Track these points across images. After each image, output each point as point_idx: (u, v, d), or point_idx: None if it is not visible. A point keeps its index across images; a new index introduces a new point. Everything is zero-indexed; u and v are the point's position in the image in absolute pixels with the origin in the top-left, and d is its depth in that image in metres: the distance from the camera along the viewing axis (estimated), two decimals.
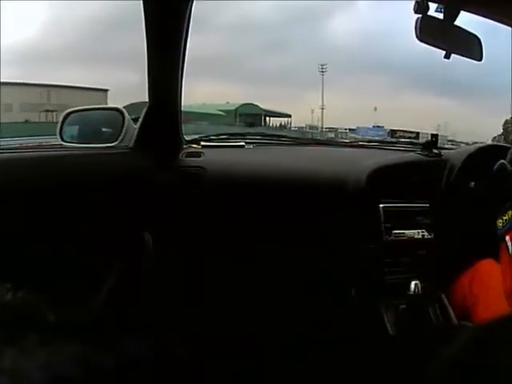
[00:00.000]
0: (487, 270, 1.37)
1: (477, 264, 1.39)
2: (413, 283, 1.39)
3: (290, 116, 16.13)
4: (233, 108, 15.17)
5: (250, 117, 15.14)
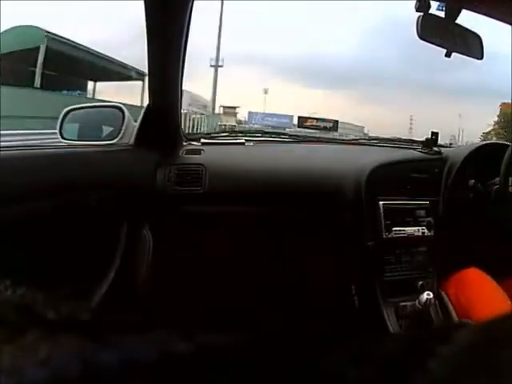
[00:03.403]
0: (473, 278, 1.38)
1: (461, 272, 1.40)
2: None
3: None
4: None
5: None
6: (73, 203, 1.17)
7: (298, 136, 2.00)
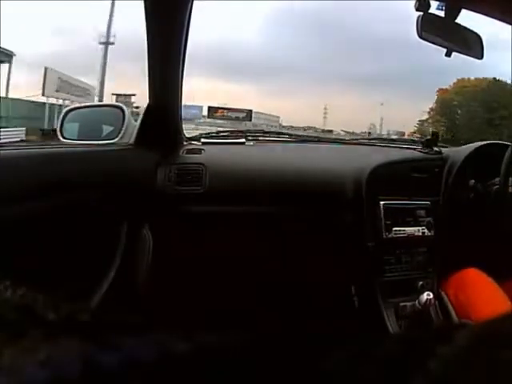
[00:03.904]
0: (472, 278, 1.38)
1: (460, 273, 1.40)
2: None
3: None
4: None
5: None
6: (73, 203, 1.17)
7: (298, 136, 2.00)
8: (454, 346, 0.19)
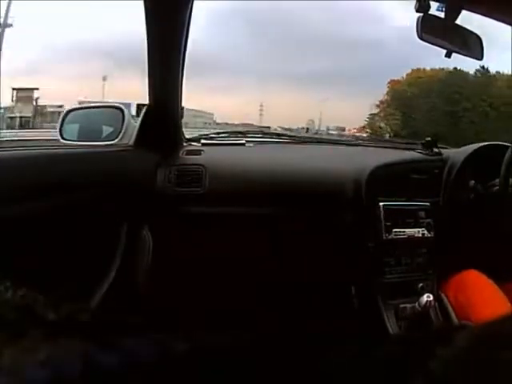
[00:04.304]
0: (472, 280, 1.38)
1: (460, 275, 1.40)
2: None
3: None
4: None
5: None
6: (73, 203, 1.17)
7: (298, 137, 2.00)
8: (453, 347, 0.19)
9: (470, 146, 1.57)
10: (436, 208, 1.49)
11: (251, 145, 1.73)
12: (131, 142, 1.47)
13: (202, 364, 0.18)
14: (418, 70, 23.50)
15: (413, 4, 1.07)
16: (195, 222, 1.54)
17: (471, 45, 1.16)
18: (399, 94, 22.85)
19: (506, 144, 1.47)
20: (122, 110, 1.51)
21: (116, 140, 1.46)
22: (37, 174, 1.09)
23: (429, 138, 1.62)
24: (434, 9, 1.09)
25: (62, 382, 0.15)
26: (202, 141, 1.69)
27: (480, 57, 1.19)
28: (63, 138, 1.47)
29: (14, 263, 0.79)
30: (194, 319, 1.35)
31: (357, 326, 1.45)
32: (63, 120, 1.50)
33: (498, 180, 1.38)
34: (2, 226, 0.94)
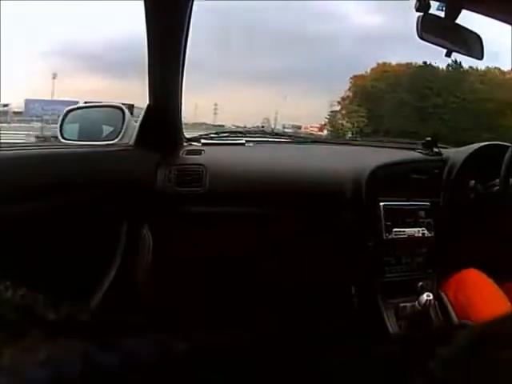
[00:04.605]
0: (472, 279, 1.38)
1: (460, 274, 1.40)
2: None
3: None
4: None
5: None
6: (73, 203, 1.17)
7: (298, 137, 2.00)
8: (453, 346, 0.19)
9: (471, 145, 1.57)
10: (436, 208, 1.49)
11: (251, 144, 1.73)
12: (131, 142, 1.47)
13: (202, 364, 0.18)
14: (384, 64, 22.31)
15: (412, 3, 1.07)
16: (195, 222, 1.54)
17: (471, 44, 1.16)
18: (363, 89, 21.80)
19: (506, 144, 1.47)
20: (122, 110, 1.51)
21: (116, 140, 1.46)
22: (37, 173, 1.09)
23: (429, 138, 1.62)
24: (434, 8, 1.09)
25: (62, 381, 0.15)
26: (202, 140, 1.69)
27: (480, 56, 1.19)
28: (63, 138, 1.47)
29: (14, 263, 0.79)
30: (194, 319, 1.35)
31: (357, 326, 1.45)
32: (63, 120, 1.50)
33: (498, 180, 1.38)
34: (3, 225, 0.94)
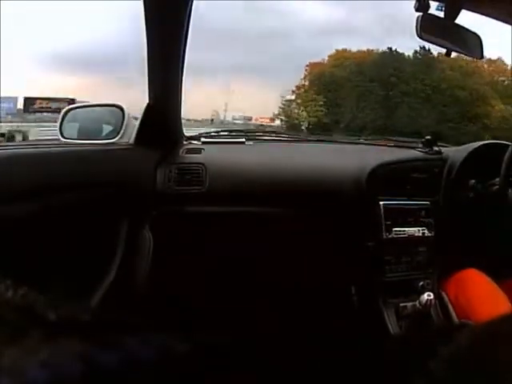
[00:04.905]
0: (472, 278, 1.38)
1: (460, 273, 1.41)
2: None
3: None
4: None
5: None
6: (73, 202, 1.17)
7: (297, 135, 2.00)
8: (454, 346, 0.19)
9: (470, 144, 1.57)
10: (436, 207, 1.49)
11: (251, 143, 1.73)
12: (131, 141, 1.47)
13: (202, 364, 0.18)
14: (344, 50, 20.95)
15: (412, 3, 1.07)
16: (195, 221, 1.54)
17: (471, 44, 1.16)
18: (321, 77, 20.22)
19: (506, 143, 1.47)
20: (121, 109, 1.51)
21: (116, 138, 1.46)
22: (37, 172, 1.09)
23: (429, 137, 1.62)
24: (434, 8, 1.09)
25: (63, 382, 0.15)
26: (202, 139, 1.69)
27: (480, 56, 1.19)
28: (63, 137, 1.47)
29: (15, 263, 0.79)
30: (194, 319, 1.35)
31: (357, 326, 1.46)
32: (63, 119, 1.50)
33: (498, 179, 1.38)
34: (2, 225, 0.94)
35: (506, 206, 1.38)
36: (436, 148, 1.60)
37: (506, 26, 1.07)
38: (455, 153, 1.56)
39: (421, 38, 1.08)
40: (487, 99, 18.58)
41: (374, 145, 1.87)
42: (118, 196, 1.34)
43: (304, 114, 19.23)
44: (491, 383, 0.17)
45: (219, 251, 1.55)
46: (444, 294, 1.40)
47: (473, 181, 1.47)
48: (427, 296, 1.29)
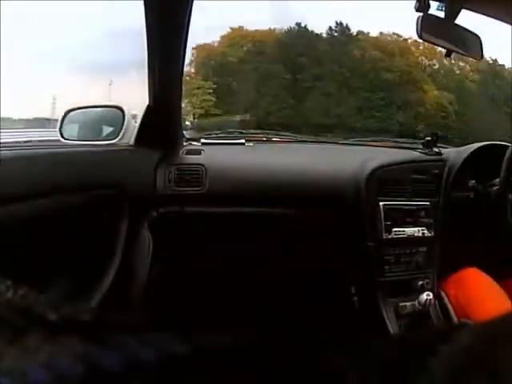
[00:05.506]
0: (472, 278, 1.38)
1: (460, 273, 1.41)
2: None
3: None
4: None
5: None
6: (73, 203, 1.17)
7: (297, 136, 2.00)
8: (454, 346, 0.19)
9: (470, 145, 1.57)
10: (436, 207, 1.49)
11: (251, 144, 1.73)
12: (131, 142, 1.47)
13: (203, 364, 0.18)
14: (240, 29, 17.67)
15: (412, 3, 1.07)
16: (195, 222, 1.54)
17: (470, 44, 1.16)
18: (213, 60, 17.15)
19: (506, 144, 1.47)
20: (122, 110, 1.51)
21: (116, 139, 1.46)
22: (37, 173, 1.09)
23: (428, 138, 1.62)
24: (434, 8, 1.09)
25: (63, 382, 0.15)
26: (202, 140, 1.69)
27: (480, 56, 1.19)
28: (63, 138, 1.47)
29: (15, 263, 0.79)
30: (195, 319, 1.35)
31: (357, 326, 1.46)
32: (63, 120, 1.50)
33: (497, 180, 1.38)
34: (3, 225, 0.94)
35: (506, 207, 1.38)
36: (436, 149, 1.61)
37: (506, 26, 1.07)
38: (455, 154, 1.56)
39: (421, 38, 1.08)
40: (419, 83, 16.20)
41: (374, 146, 1.87)
42: (118, 197, 1.34)
43: (191, 104, 15.95)
44: (491, 383, 0.17)
45: (219, 252, 1.55)
46: (443, 294, 1.40)
47: (473, 181, 1.47)
48: (426, 295, 1.29)
